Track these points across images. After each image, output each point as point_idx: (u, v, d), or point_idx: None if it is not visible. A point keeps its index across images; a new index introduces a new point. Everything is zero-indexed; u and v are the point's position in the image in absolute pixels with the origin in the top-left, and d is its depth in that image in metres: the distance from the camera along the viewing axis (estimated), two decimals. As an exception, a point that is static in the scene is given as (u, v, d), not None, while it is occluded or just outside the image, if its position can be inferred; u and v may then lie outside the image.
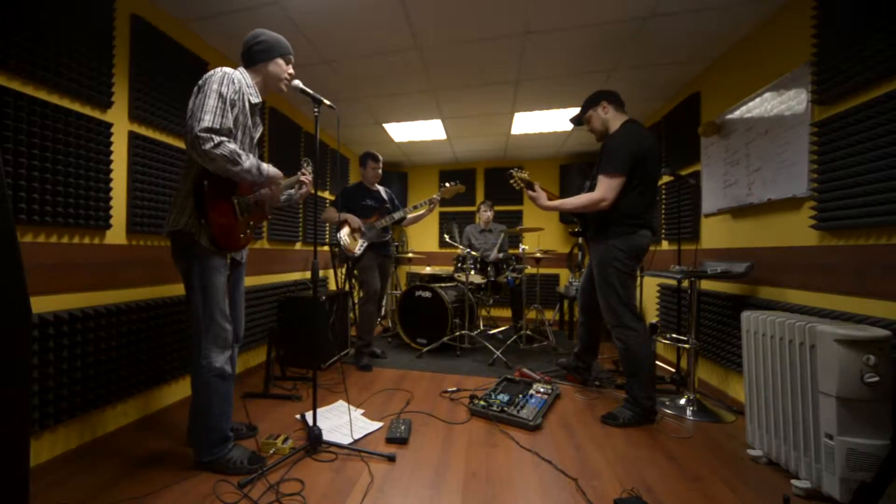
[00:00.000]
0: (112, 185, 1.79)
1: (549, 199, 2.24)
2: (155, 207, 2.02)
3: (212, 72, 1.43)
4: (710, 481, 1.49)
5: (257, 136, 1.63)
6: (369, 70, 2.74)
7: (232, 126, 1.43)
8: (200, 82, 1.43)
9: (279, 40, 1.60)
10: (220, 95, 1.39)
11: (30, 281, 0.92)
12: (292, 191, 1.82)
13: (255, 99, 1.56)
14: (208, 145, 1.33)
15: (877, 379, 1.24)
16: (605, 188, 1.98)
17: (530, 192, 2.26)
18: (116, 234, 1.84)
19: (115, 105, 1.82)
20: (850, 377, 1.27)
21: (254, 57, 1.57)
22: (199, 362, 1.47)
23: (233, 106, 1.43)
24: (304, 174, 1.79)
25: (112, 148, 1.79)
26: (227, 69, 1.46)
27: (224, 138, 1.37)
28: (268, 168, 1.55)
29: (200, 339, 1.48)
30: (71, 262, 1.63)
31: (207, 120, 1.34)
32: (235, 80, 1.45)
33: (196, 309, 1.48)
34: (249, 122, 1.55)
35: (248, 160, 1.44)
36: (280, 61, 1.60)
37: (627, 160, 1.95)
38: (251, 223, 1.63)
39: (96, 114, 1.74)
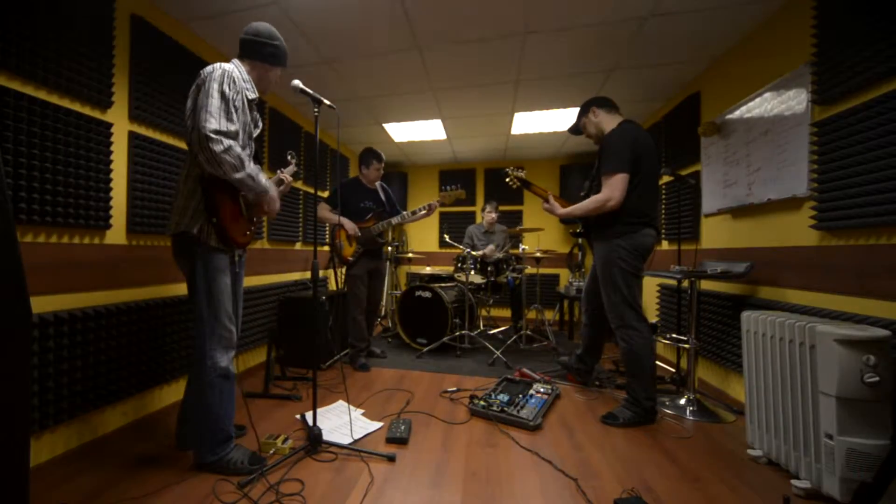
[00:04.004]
0: (112, 185, 1.79)
1: (562, 206, 2.24)
2: (155, 207, 2.02)
3: (210, 68, 1.41)
4: (710, 481, 1.49)
5: (256, 132, 1.61)
6: (369, 70, 2.74)
7: (239, 129, 1.42)
8: (199, 80, 1.41)
9: (287, 52, 1.64)
10: (223, 95, 1.37)
11: (30, 281, 0.92)
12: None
13: (252, 94, 1.54)
14: (218, 148, 1.31)
15: (877, 379, 1.24)
16: (609, 187, 1.97)
17: (545, 206, 2.27)
18: (116, 234, 1.84)
19: (115, 105, 1.82)
20: (850, 377, 1.27)
21: (265, 57, 1.56)
22: (203, 362, 1.46)
23: (236, 109, 1.41)
24: (282, 172, 1.79)
25: (112, 148, 1.79)
26: (226, 66, 1.44)
27: (233, 142, 1.36)
28: (265, 182, 1.52)
29: (204, 339, 1.46)
30: (71, 262, 1.63)
31: (214, 122, 1.32)
32: (235, 79, 1.44)
33: (200, 309, 1.47)
34: (249, 118, 1.53)
35: (249, 166, 1.44)
36: (279, 71, 1.63)
37: (626, 156, 1.95)
38: (254, 219, 1.63)
39: (96, 114, 1.74)
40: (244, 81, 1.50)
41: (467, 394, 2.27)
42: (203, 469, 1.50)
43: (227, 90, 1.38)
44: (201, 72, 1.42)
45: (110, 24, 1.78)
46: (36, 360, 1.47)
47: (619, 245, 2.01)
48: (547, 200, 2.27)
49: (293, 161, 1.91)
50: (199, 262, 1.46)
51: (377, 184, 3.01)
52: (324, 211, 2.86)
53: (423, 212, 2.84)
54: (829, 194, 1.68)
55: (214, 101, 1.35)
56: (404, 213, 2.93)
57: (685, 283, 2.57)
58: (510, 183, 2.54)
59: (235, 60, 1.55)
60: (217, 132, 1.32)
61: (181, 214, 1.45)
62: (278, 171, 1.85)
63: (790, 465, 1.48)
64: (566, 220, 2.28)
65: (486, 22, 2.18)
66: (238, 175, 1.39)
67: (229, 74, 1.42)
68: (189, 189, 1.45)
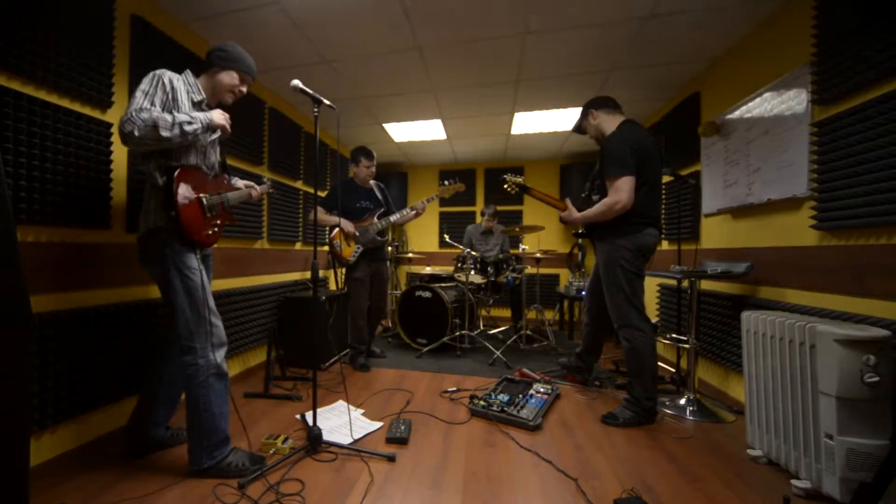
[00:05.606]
0: (112, 185, 1.79)
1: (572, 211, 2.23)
2: (155, 207, 2.01)
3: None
4: (710, 481, 1.49)
5: (214, 136, 1.61)
6: (369, 70, 2.74)
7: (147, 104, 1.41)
8: None
9: (244, 58, 1.64)
10: (144, 92, 1.40)
11: (30, 281, 0.92)
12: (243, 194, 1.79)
13: (198, 97, 1.55)
14: (125, 124, 1.29)
15: (877, 379, 1.24)
16: (615, 191, 1.96)
17: (563, 214, 2.26)
18: (116, 234, 1.84)
19: (115, 105, 1.82)
20: (850, 377, 1.27)
21: (212, 62, 1.59)
22: (195, 363, 1.45)
23: (155, 95, 1.42)
24: (254, 188, 1.79)
25: (112, 148, 1.79)
26: (157, 71, 1.46)
27: (136, 112, 1.32)
28: (197, 114, 1.46)
29: (192, 339, 1.45)
30: (71, 262, 1.63)
31: (127, 110, 1.32)
32: (166, 80, 1.45)
33: (182, 310, 1.45)
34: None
35: (177, 116, 1.38)
36: (234, 73, 1.61)
37: (629, 158, 1.95)
38: (218, 222, 1.59)
39: (96, 114, 1.74)
40: (189, 84, 1.54)
41: (467, 394, 2.27)
42: (203, 475, 1.46)
43: (146, 87, 1.41)
44: None
45: (110, 24, 1.78)
46: (36, 360, 1.47)
47: (622, 245, 2.01)
48: (562, 210, 2.26)
49: (267, 183, 1.92)
50: (171, 264, 1.45)
51: (372, 183, 2.98)
52: (320, 214, 2.79)
53: (419, 209, 2.83)
54: (829, 194, 1.68)
55: (135, 99, 1.38)
56: (403, 210, 2.87)
57: (685, 283, 2.57)
58: (508, 189, 2.57)
59: (187, 72, 1.58)
60: (125, 117, 1.31)
61: (145, 214, 1.48)
62: (251, 188, 1.82)
63: (790, 465, 1.48)
64: (567, 221, 2.27)
65: (487, 22, 2.18)
66: (164, 134, 1.34)
67: (157, 76, 1.44)
68: (147, 187, 1.48)
